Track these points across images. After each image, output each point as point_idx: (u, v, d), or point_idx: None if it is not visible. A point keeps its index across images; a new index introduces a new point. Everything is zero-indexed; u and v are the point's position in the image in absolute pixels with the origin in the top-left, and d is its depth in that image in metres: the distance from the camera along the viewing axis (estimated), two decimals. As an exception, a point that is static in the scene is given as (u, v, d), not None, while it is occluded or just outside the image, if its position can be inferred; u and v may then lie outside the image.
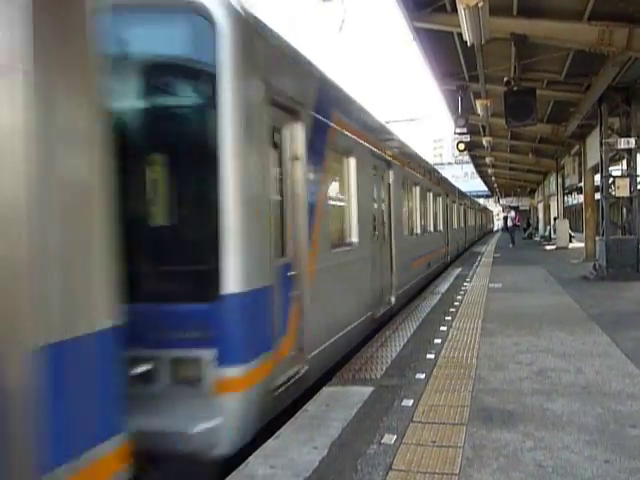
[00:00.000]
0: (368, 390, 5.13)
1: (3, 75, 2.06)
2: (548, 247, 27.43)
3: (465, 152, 24.10)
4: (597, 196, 17.56)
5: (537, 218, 45.14)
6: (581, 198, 23.12)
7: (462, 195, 28.83)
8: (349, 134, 6.99)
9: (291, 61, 5.37)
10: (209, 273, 3.88)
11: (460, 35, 9.79)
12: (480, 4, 7.88)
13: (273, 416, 4.38)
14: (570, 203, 32.23)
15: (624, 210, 14.38)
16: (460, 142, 18.71)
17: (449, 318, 8.62)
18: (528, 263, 18.39)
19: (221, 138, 3.88)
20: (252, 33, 4.27)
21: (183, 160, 4.19)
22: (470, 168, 48.03)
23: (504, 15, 10.10)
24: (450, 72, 14.49)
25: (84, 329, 2.30)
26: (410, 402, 4.75)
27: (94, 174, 2.39)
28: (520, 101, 11.36)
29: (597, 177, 17.04)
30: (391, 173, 9.59)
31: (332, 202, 6.55)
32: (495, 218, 76.75)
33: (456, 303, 10.14)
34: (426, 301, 10.67)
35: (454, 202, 22.84)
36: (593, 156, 16.92)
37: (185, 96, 4.25)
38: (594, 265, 14.17)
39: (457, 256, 22.81)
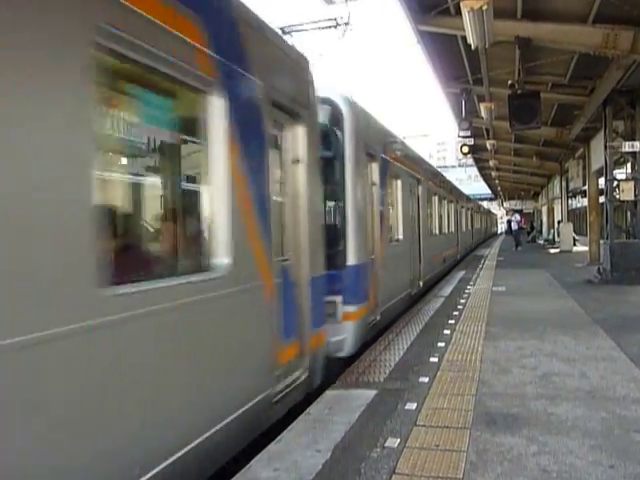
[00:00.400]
0: (371, 393, 5.12)
1: (301, 163, 5.12)
2: (552, 250, 27.37)
3: (469, 155, 24.09)
4: (601, 199, 17.50)
5: (541, 221, 45.06)
6: (585, 201, 23.08)
7: (469, 200, 31.71)
8: (397, 164, 9.85)
9: (372, 125, 8.51)
10: (343, 253, 6.70)
11: (464, 38, 9.80)
12: (484, 7, 7.90)
13: (367, 339, 7.22)
14: (574, 206, 32.14)
15: (628, 214, 14.32)
16: (464, 145, 18.69)
17: (453, 321, 8.60)
18: (532, 266, 18.34)
19: (346, 173, 6.83)
20: (356, 113, 7.22)
21: (332, 187, 6.78)
22: (474, 171, 47.98)
23: (508, 18, 10.11)
24: (454, 75, 14.50)
25: (321, 272, 5.52)
26: (414, 405, 4.73)
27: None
28: (524, 104, 11.35)
29: (601, 180, 16.99)
30: (420, 188, 12.36)
31: (390, 211, 9.41)
32: (499, 221, 76.67)
33: (460, 306, 10.11)
34: (429, 304, 10.65)
35: (462, 207, 25.60)
36: (597, 159, 16.87)
37: (330, 148, 6.72)
38: (598, 269, 14.11)
39: (465, 255, 25.68)
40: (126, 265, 3.17)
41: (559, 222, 29.91)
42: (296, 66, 5.41)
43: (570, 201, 30.49)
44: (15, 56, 2.28)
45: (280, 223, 4.85)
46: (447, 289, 13.01)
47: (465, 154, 20.47)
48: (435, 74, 14.12)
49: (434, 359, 6.29)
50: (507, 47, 11.19)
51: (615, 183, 14.13)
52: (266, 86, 4.42)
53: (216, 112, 3.72)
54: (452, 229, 20.15)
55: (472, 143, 18.43)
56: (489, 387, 5.21)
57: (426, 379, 5.50)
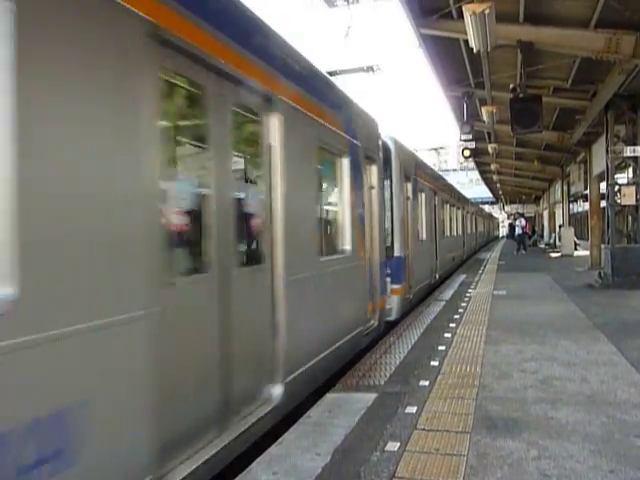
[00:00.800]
0: (372, 397, 5.12)
1: (374, 189, 7.99)
2: (553, 254, 27.35)
3: (470, 159, 24.09)
4: (603, 204, 17.49)
5: (542, 225, 45.01)
6: (587, 206, 23.05)
7: (473, 205, 34.46)
8: (422, 181, 12.97)
9: (408, 154, 11.60)
10: (391, 248, 9.61)
11: (466, 42, 9.81)
12: (486, 11, 7.91)
13: (405, 311, 9.98)
14: (575, 211, 32.12)
15: (630, 218, 14.31)
16: (465, 149, 18.70)
17: (453, 325, 8.60)
18: (533, 270, 18.33)
19: (393, 193, 9.79)
20: (399, 148, 10.22)
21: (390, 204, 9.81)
22: (475, 175, 47.95)
23: (510, 22, 10.12)
24: (456, 79, 14.52)
25: (383, 259, 8.43)
26: (414, 409, 4.73)
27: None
28: (526, 108, 11.36)
29: (603, 185, 16.99)
30: (436, 198, 15.36)
31: (418, 218, 12.34)
32: (500, 225, 76.66)
33: (460, 310, 10.11)
34: (430, 307, 10.65)
35: (467, 212, 28.30)
36: (599, 164, 16.85)
37: (384, 176, 9.11)
38: (599, 273, 14.10)
39: (470, 255, 28.46)
40: (328, 246, 6.29)
41: (560, 226, 29.91)
42: (372, 127, 8.28)
43: (571, 205, 30.47)
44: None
45: (368, 227, 7.57)
46: (448, 293, 13.01)
47: (467, 158, 20.48)
48: (437, 77, 14.13)
49: (435, 363, 6.28)
50: (509, 51, 11.22)
51: (616, 188, 14.13)
52: (362, 146, 7.33)
53: (345, 167, 6.75)
54: (460, 232, 23.39)
55: (474, 147, 18.43)
56: (489, 391, 5.20)
57: (427, 383, 5.50)
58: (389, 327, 8.65)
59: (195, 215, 3.64)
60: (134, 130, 2.87)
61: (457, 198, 22.88)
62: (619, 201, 13.95)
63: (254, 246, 4.47)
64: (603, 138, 14.68)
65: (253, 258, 4.41)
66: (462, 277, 16.75)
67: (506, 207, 60.17)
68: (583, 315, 9.28)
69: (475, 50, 9.35)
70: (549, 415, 4.52)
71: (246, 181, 4.61)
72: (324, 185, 6.69)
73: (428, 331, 8.26)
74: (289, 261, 4.59)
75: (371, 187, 7.83)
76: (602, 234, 17.08)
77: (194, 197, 3.76)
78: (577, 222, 31.57)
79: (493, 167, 29.48)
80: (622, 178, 16.01)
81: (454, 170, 51.35)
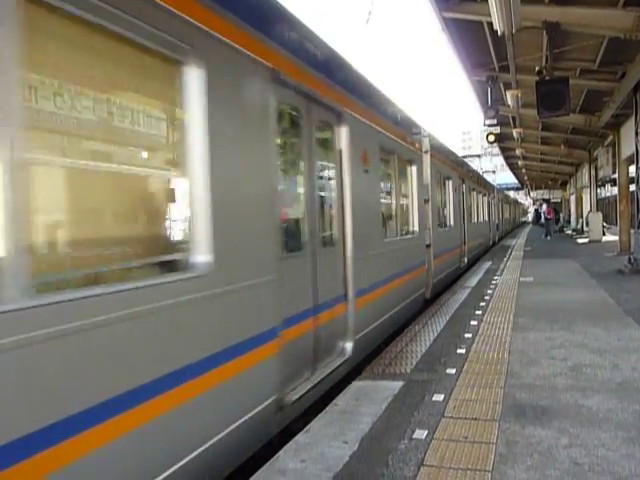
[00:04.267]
0: (398, 385, 5.10)
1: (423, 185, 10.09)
2: (580, 240, 26.86)
3: (495, 144, 23.73)
4: (632, 188, 17.08)
5: (569, 211, 44.26)
6: (615, 190, 22.57)
7: (499, 192, 35.69)
8: (451, 171, 14.06)
9: (437, 145, 12.11)
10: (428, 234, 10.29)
11: (490, 24, 9.61)
12: (511, -8, 7.72)
13: (437, 292, 10.95)
14: (603, 195, 31.48)
15: (660, 202, 13.96)
16: (490, 134, 18.43)
17: (479, 312, 8.51)
18: (560, 256, 18.04)
19: (428, 184, 10.48)
20: (432, 140, 10.88)
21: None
22: (500, 160, 47.28)
23: (536, 2, 9.88)
24: (480, 63, 14.25)
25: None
26: (441, 397, 4.70)
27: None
28: (552, 91, 11.09)
29: (632, 168, 16.57)
30: (464, 186, 16.36)
31: (449, 205, 13.68)
32: (528, 211, 75.71)
33: (486, 297, 10.01)
34: (456, 295, 10.56)
35: (494, 199, 29.49)
36: (628, 146, 16.45)
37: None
38: (629, 258, 13.80)
39: (499, 239, 30.72)
40: (390, 230, 8.02)
41: (589, 212, 29.38)
42: (417, 131, 9.86)
43: (599, 190, 29.85)
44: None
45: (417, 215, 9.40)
46: (473, 280, 12.89)
47: (491, 143, 20.17)
48: (460, 62, 13.89)
49: (461, 350, 6.23)
50: (534, 33, 10.95)
51: (647, 170, 13.79)
52: (409, 148, 9.07)
53: (414, 171, 9.40)
54: (486, 218, 24.67)
55: (498, 132, 18.17)
56: (518, 379, 5.14)
57: (453, 370, 5.46)
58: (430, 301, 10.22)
59: (294, 210, 5.02)
60: (267, 150, 4.15)
61: (483, 186, 23.82)
62: (649, 184, 13.60)
63: (330, 233, 5.63)
64: (632, 120, 14.32)
65: (330, 242, 5.55)
66: (488, 264, 16.56)
67: (532, 193, 59.28)
68: (613, 301, 9.10)
69: (499, 33, 9.14)
70: (580, 403, 4.45)
71: (322, 180, 5.60)
72: (383, 182, 7.88)
73: (454, 319, 8.19)
74: (357, 243, 5.86)
75: (423, 183, 10.03)
76: (631, 218, 16.71)
77: (294, 196, 5.00)
78: (605, 207, 30.97)
79: (518, 152, 29.00)
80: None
81: (478, 156, 50.62)
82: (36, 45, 2.48)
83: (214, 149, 3.35)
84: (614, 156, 20.52)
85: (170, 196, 3.44)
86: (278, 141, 4.40)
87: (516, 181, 57.05)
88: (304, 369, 4.71)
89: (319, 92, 5.14)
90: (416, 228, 9.27)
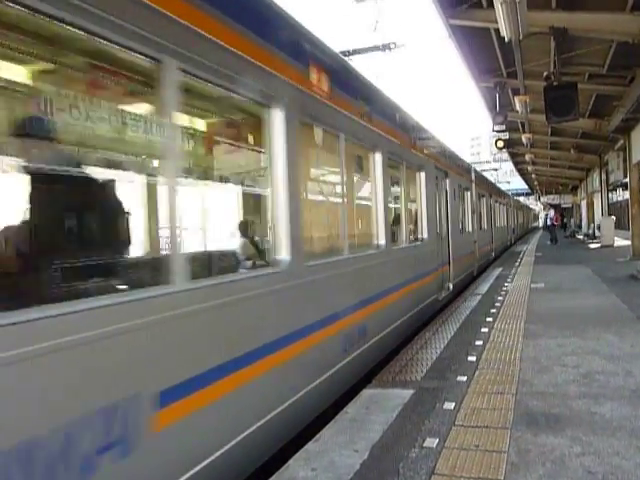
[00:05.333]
0: (409, 393, 5.08)
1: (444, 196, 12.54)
2: (592, 245, 26.67)
3: (504, 150, 23.68)
4: (643, 192, 16.97)
5: (580, 216, 43.95)
6: (627, 194, 22.40)
7: (512, 199, 38.18)
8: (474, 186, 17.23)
9: (478, 175, 19.32)
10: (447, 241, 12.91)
11: (497, 31, 9.62)
12: (518, -2, 7.74)
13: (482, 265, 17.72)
14: (615, 200, 31.24)
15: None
16: (499, 139, 18.40)
17: (490, 319, 8.47)
18: (571, 262, 17.90)
19: (475, 202, 16.86)
20: (475, 172, 17.91)
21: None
22: (509, 166, 47.10)
23: (543, 8, 9.89)
24: (487, 69, 14.27)
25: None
26: (452, 405, 4.67)
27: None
28: (561, 96, 11.05)
29: (643, 172, 16.48)
30: (491, 200, 20.68)
31: (469, 211, 15.77)
32: (539, 216, 75.74)
33: (497, 304, 9.95)
34: (466, 302, 10.52)
35: (510, 206, 33.09)
36: (638, 150, 16.38)
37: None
38: (642, 263, 13.69)
39: (515, 240, 35.49)
40: (463, 229, 14.78)
41: (602, 216, 29.16)
42: (443, 150, 12.22)
43: (610, 194, 29.65)
44: None
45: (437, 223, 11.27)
46: (484, 287, 12.82)
47: (500, 149, 20.13)
48: (468, 68, 13.91)
49: (472, 358, 6.19)
50: (542, 38, 10.94)
51: (658, 175, 13.70)
52: (434, 165, 10.65)
53: (468, 195, 15.79)
54: (503, 224, 28.38)
55: (507, 137, 18.12)
56: (529, 386, 5.10)
57: (464, 378, 5.42)
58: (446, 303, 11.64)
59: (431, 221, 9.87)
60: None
61: (497, 194, 26.78)
62: (661, 189, 13.50)
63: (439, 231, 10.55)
64: (643, 124, 14.23)
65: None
66: (498, 270, 16.48)
67: (542, 198, 58.94)
68: (625, 307, 9.01)
69: (507, 39, 9.16)
70: (592, 410, 4.40)
71: (441, 203, 10.41)
72: (460, 204, 12.44)
73: (464, 326, 8.15)
74: (453, 236, 11.56)
75: (473, 201, 15.54)
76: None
77: (431, 213, 9.79)
78: (617, 211, 30.73)
79: (527, 157, 28.91)
80: (663, 165, 15.51)
81: (487, 162, 50.46)
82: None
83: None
84: (625, 160, 20.42)
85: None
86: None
87: (526, 186, 56.79)
88: (441, 289, 10.27)
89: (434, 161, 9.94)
90: (470, 229, 15.42)
